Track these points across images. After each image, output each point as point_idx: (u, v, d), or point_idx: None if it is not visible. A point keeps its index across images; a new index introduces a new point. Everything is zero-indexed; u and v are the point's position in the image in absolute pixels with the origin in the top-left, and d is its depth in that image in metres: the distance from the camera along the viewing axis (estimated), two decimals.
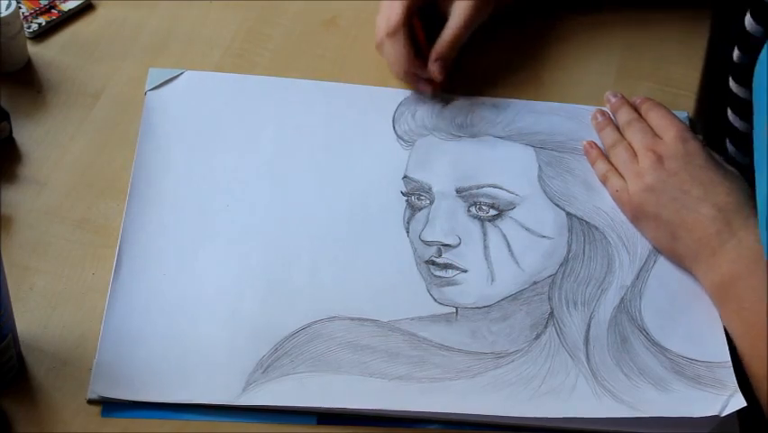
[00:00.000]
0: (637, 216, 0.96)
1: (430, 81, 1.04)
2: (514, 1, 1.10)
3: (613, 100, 1.04)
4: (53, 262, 0.91)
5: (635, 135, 0.99)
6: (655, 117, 1.01)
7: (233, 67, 1.05)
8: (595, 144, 1.02)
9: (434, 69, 1.02)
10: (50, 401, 0.83)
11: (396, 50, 1.02)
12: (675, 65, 1.09)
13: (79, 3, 1.08)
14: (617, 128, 1.02)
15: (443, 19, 1.04)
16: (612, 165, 0.99)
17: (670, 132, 0.98)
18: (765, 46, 0.84)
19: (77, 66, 1.04)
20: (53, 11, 1.07)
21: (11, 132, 0.97)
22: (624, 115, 1.02)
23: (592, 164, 1.00)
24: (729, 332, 0.89)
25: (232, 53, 1.07)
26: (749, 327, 0.86)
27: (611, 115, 1.04)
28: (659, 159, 0.95)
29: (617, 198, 0.98)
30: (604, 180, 0.99)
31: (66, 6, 1.08)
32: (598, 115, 1.04)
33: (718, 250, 0.90)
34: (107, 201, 0.95)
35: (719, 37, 1.10)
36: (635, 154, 0.98)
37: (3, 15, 0.98)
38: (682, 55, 1.10)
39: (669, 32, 1.12)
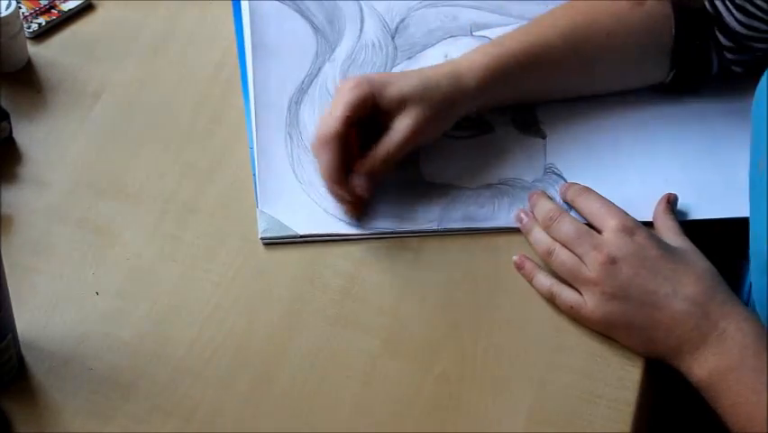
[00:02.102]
0: (607, 328, 0.86)
1: (354, 199, 0.92)
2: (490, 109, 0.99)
3: (533, 198, 0.93)
4: (53, 262, 0.91)
5: (567, 234, 0.88)
6: (586, 206, 0.90)
7: (233, 66, 1.05)
8: (526, 257, 0.90)
9: (356, 183, 0.91)
10: (50, 401, 0.83)
11: (325, 161, 0.90)
12: None
13: (79, 3, 1.08)
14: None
15: (384, 130, 0.92)
16: (555, 277, 0.88)
17: (609, 222, 0.87)
18: (765, 75, 0.81)
19: (77, 66, 1.04)
20: (53, 11, 1.07)
21: (11, 132, 0.97)
22: (542, 210, 0.91)
23: (530, 281, 0.89)
24: (729, 426, 0.82)
25: (232, 53, 1.07)
26: (749, 421, 0.80)
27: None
28: (610, 260, 0.85)
29: (575, 315, 0.87)
30: (551, 297, 0.88)
31: (66, 6, 1.08)
32: (522, 216, 0.92)
33: (701, 344, 0.83)
34: (107, 201, 0.95)
35: None
36: (578, 259, 0.87)
37: (3, 15, 0.98)
38: None
39: None
